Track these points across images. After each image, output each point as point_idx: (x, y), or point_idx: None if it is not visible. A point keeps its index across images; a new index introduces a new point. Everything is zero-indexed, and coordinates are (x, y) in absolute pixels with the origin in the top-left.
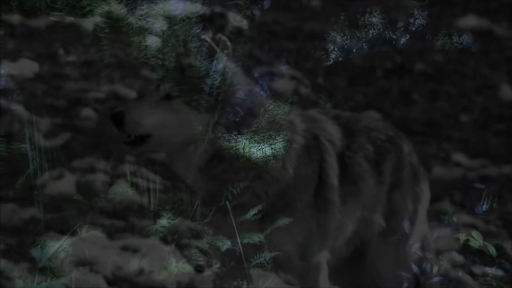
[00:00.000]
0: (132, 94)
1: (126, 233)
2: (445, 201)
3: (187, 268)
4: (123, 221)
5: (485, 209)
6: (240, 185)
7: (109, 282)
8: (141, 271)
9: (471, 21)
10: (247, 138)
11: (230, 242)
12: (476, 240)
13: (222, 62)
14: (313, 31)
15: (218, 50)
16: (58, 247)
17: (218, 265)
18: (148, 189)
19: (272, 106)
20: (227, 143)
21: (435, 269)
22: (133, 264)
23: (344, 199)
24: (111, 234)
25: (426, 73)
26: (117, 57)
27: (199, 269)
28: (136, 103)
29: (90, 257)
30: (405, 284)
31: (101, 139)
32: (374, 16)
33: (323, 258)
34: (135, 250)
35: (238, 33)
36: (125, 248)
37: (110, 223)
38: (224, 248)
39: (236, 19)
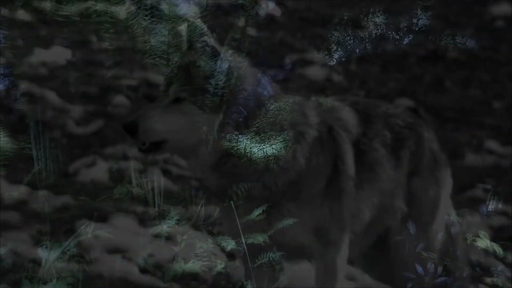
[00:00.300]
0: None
1: (158, 220)
2: (477, 189)
3: (194, 267)
4: (155, 208)
5: (490, 210)
6: (245, 185)
7: (141, 269)
8: (173, 258)
9: (504, 8)
10: (247, 138)
11: (235, 242)
12: (483, 240)
13: (227, 62)
14: (346, 17)
15: (222, 50)
16: (65, 247)
17: (223, 266)
18: (152, 189)
19: (273, 106)
20: (228, 143)
21: (440, 269)
22: (165, 251)
23: (360, 185)
24: (143, 221)
25: (459, 60)
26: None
27: (231, 256)
28: (147, 110)
29: (122, 244)
30: (409, 285)
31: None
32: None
33: (342, 241)
34: (167, 238)
35: (270, 20)
36: (157, 236)
37: (142, 210)
38: (229, 248)
39: (269, 6)
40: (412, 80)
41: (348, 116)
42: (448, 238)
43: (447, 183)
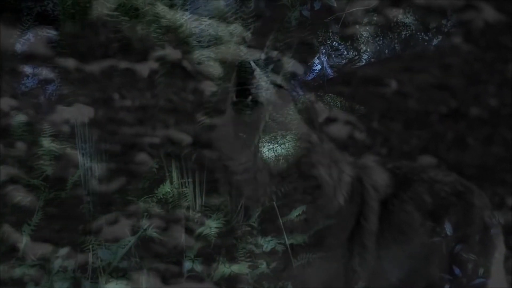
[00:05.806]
0: (188, 139)
1: (180, 278)
2: None
3: (240, 268)
4: (177, 266)
5: None
6: (286, 186)
7: None
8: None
9: None
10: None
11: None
12: None
13: (265, 79)
14: (368, 75)
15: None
16: (129, 248)
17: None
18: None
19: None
20: None
21: (481, 271)
22: None
23: (386, 245)
24: (165, 279)
25: (481, 118)
26: (172, 102)
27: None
28: None
29: None
30: (447, 286)
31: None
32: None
33: None
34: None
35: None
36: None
37: (164, 268)
38: (269, 248)
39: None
40: (434, 137)
41: (380, 176)
42: (488, 240)
43: (499, 251)
